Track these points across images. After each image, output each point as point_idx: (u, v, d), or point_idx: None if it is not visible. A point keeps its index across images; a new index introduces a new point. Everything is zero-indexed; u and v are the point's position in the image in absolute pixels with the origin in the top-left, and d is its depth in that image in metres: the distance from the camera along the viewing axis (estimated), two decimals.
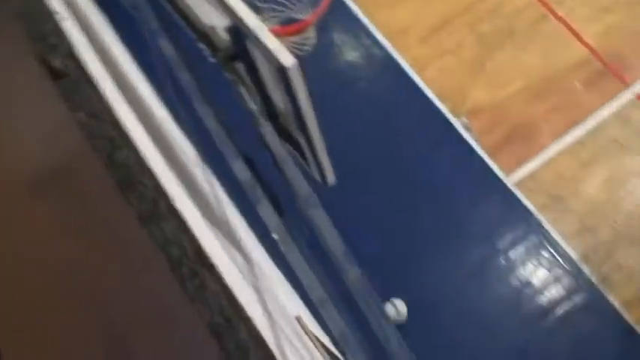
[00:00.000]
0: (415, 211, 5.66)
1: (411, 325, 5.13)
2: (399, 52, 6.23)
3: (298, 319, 4.08)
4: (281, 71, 2.32)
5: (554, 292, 5.59)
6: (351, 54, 6.27)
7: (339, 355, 3.93)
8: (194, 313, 2.24)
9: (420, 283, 5.42)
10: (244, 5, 2.34)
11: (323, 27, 6.13)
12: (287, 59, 2.24)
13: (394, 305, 5.18)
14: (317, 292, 3.63)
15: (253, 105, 3.40)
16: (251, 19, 2.37)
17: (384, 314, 4.05)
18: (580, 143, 6.09)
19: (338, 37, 6.38)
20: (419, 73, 6.17)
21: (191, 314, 2.21)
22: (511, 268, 5.63)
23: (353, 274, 4.01)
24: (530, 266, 5.65)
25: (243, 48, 2.72)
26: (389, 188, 5.72)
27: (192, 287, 2.37)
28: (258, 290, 3.00)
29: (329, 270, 3.90)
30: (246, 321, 2.44)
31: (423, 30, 6.36)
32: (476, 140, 5.95)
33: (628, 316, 5.56)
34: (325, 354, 3.90)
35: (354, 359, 3.57)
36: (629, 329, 5.53)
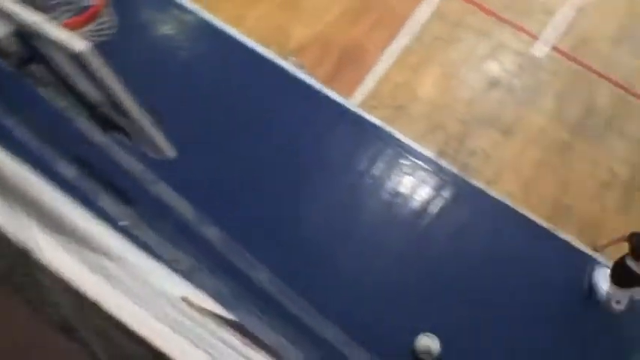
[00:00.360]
0: (272, 161, 5.88)
1: (301, 269, 5.38)
2: (212, 13, 6.36)
3: (184, 299, 4.23)
4: (76, 58, 2.39)
5: (422, 193, 6.01)
6: (165, 27, 6.35)
7: (233, 318, 4.13)
8: (38, 316, 2.33)
9: (298, 226, 5.66)
10: (22, 7, 2.38)
11: (129, 8, 6.15)
12: (78, 45, 2.30)
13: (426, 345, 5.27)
14: (182, 263, 3.81)
15: (65, 103, 3.45)
16: (31, 17, 2.40)
17: (250, 260, 4.30)
18: (407, 50, 6.51)
19: (147, 14, 6.43)
20: (237, 27, 6.32)
21: (34, 318, 2.30)
22: (377, 184, 5.99)
23: (211, 233, 4.21)
24: (394, 177, 6.03)
25: (34, 48, 2.76)
26: (241, 147, 5.89)
27: (31, 293, 2.46)
28: (113, 280, 3.12)
29: (194, 240, 4.09)
30: (96, 307, 2.56)
31: None
32: (310, 75, 6.21)
33: (494, 193, 6.07)
34: (220, 321, 4.08)
35: (233, 311, 3.80)
36: (497, 204, 6.04)
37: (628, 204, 6.14)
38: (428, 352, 5.13)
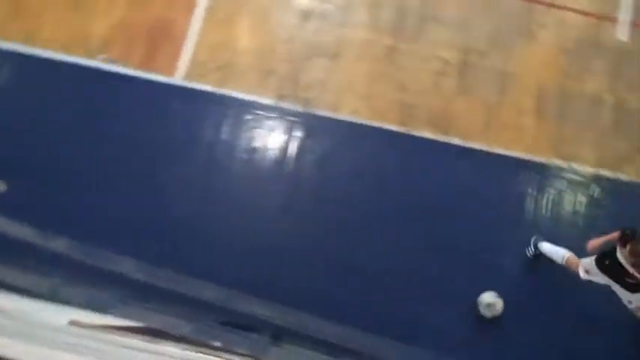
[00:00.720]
0: (117, 161, 5.94)
1: (179, 251, 5.49)
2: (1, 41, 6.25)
3: (73, 322, 4.26)
4: None
5: (277, 140, 6.27)
6: None
7: (130, 324, 4.21)
8: None
9: (163, 214, 5.77)
10: None
11: None
12: None
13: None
14: (41, 286, 3.83)
15: None
16: None
17: (111, 256, 4.36)
18: (211, 9, 6.66)
19: None
20: (33, 45, 6.23)
21: None
22: (230, 148, 6.18)
23: (61, 244, 4.23)
24: (244, 136, 6.23)
25: None
26: (82, 159, 5.91)
27: None
28: None
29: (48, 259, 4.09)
30: None
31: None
32: (126, 66, 6.22)
33: (343, 117, 6.37)
34: (115, 330, 4.15)
35: (116, 311, 3.88)
36: (349, 126, 6.38)
37: (467, 84, 6.61)
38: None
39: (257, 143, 6.25)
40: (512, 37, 6.81)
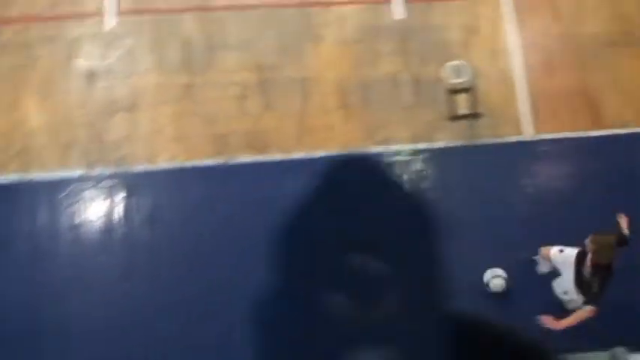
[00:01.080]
0: None
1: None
2: None
3: None
4: None
5: (100, 209, 6.30)
6: None
7: None
8: None
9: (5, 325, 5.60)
10: None
11: None
12: None
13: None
14: None
15: None
16: None
17: None
18: None
19: None
20: None
21: None
22: (53, 232, 6.17)
23: None
24: (64, 214, 6.19)
25: None
26: None
27: None
28: None
29: None
30: None
31: None
32: None
33: (162, 164, 6.46)
34: None
35: None
36: (174, 173, 6.46)
37: (269, 100, 6.90)
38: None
39: (79, 218, 6.20)
40: (299, 44, 7.17)
